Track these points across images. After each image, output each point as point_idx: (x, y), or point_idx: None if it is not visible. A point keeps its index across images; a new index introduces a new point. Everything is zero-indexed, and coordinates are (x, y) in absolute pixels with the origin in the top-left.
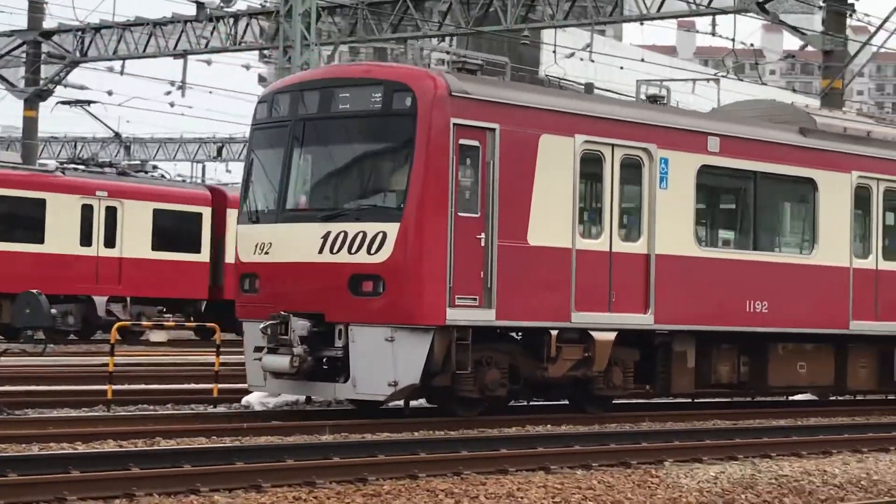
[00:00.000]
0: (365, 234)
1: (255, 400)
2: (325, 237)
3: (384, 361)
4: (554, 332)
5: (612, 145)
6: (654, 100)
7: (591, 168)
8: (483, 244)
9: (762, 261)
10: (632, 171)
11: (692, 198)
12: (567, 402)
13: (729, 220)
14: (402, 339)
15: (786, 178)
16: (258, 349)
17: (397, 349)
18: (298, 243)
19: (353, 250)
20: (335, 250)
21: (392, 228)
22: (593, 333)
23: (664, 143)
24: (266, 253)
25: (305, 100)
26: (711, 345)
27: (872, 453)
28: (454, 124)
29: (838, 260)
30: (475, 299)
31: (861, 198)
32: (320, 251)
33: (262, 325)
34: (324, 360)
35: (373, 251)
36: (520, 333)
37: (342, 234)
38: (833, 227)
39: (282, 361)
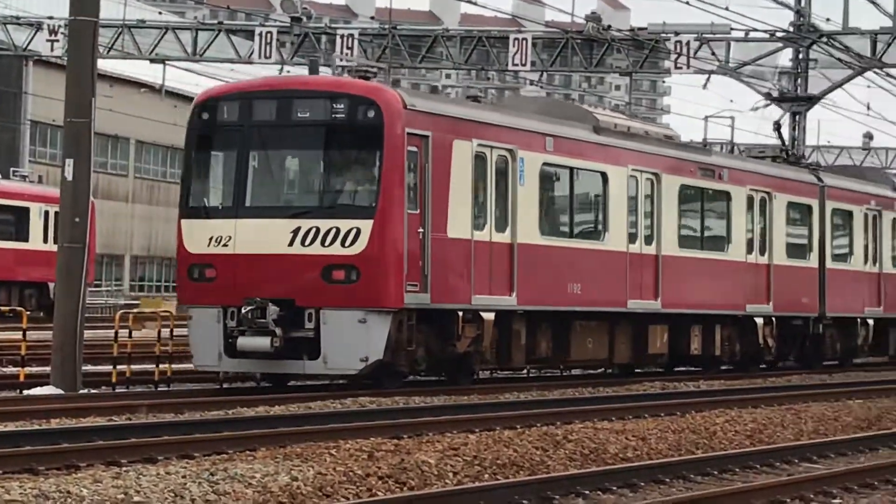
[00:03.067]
0: (339, 230)
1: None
2: (296, 231)
3: (357, 340)
4: (461, 314)
5: (491, 147)
6: (475, 99)
7: (480, 168)
8: (422, 237)
9: (577, 248)
10: (503, 169)
11: (537, 192)
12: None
13: (559, 212)
14: (373, 321)
15: (589, 171)
16: (232, 331)
17: (369, 329)
18: (265, 237)
19: (327, 243)
20: (307, 243)
21: (366, 224)
22: (482, 314)
23: (521, 144)
24: (224, 245)
25: (260, 107)
26: (541, 323)
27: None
28: (407, 133)
29: (619, 247)
30: (416, 285)
31: (639, 188)
32: (290, 244)
33: (245, 310)
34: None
35: (347, 244)
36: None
37: (314, 229)
38: (618, 216)
39: (262, 342)
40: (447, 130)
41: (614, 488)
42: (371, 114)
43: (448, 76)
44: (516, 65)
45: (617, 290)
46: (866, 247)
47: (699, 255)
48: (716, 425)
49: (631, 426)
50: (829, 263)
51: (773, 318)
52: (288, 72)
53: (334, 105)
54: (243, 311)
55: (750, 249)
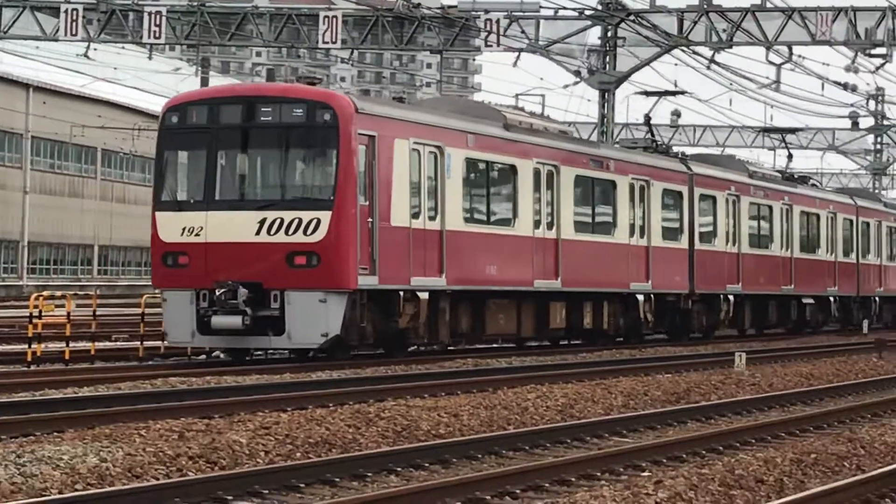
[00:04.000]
0: (301, 220)
1: None
2: (262, 222)
3: (318, 318)
4: (402, 293)
5: (424, 144)
6: (399, 100)
7: (416, 163)
8: (370, 226)
9: (493, 233)
10: (433, 164)
11: (461, 184)
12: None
13: (478, 201)
14: (332, 300)
15: (503, 164)
16: (205, 311)
17: (328, 308)
18: (234, 227)
19: (290, 232)
20: (272, 232)
21: (325, 215)
22: (419, 294)
23: (448, 142)
24: (196, 235)
25: (227, 111)
26: (461, 302)
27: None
28: (358, 133)
29: (526, 232)
30: (367, 269)
31: (542, 179)
32: (257, 233)
33: (218, 292)
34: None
35: (308, 233)
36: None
37: (278, 220)
38: (526, 205)
39: (234, 321)
40: (389, 130)
41: (426, 465)
42: (327, 117)
43: (258, 54)
44: (326, 42)
45: (525, 271)
46: (727, 229)
47: (591, 239)
48: (527, 401)
49: (444, 403)
50: (697, 245)
51: (652, 296)
52: (95, 49)
53: (294, 109)
54: (216, 293)
55: (632, 233)
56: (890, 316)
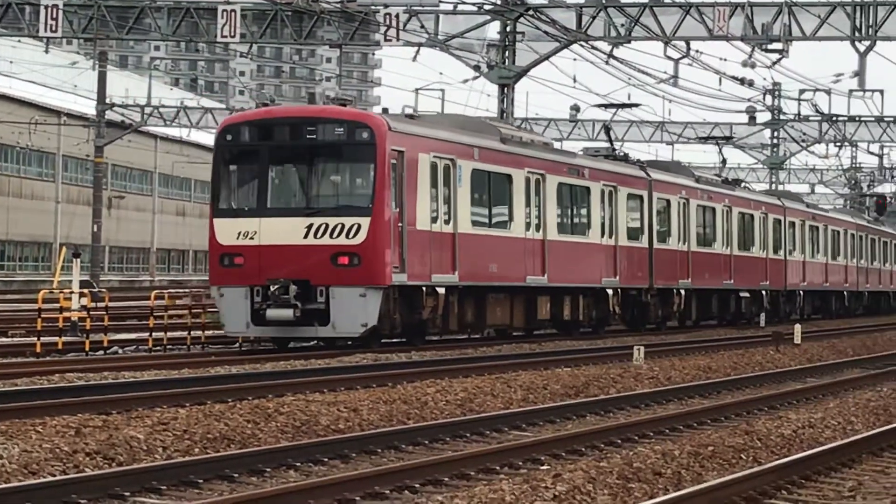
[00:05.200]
0: (343, 225)
1: None
2: (309, 227)
3: (359, 310)
4: (424, 289)
5: (441, 158)
6: (411, 116)
7: (434, 174)
8: (401, 230)
9: (494, 235)
10: (447, 175)
11: (469, 192)
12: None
13: (482, 207)
14: (370, 295)
15: (501, 174)
16: (258, 304)
17: (367, 302)
18: (284, 231)
19: (334, 236)
20: (318, 236)
21: (365, 221)
22: (437, 289)
23: (459, 155)
24: (251, 238)
25: (277, 130)
26: (467, 296)
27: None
28: (391, 149)
29: (520, 234)
30: (398, 267)
31: (532, 187)
32: (305, 237)
33: (272, 288)
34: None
35: (350, 236)
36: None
37: (324, 225)
38: (520, 209)
39: (286, 313)
40: (414, 146)
41: (325, 460)
42: (366, 135)
43: (157, 48)
44: (225, 37)
45: (518, 269)
46: (679, 229)
47: (571, 239)
48: (427, 395)
49: (343, 398)
50: (655, 244)
51: (619, 290)
52: None
53: (336, 129)
54: (271, 289)
55: (603, 233)
56: (811, 308)
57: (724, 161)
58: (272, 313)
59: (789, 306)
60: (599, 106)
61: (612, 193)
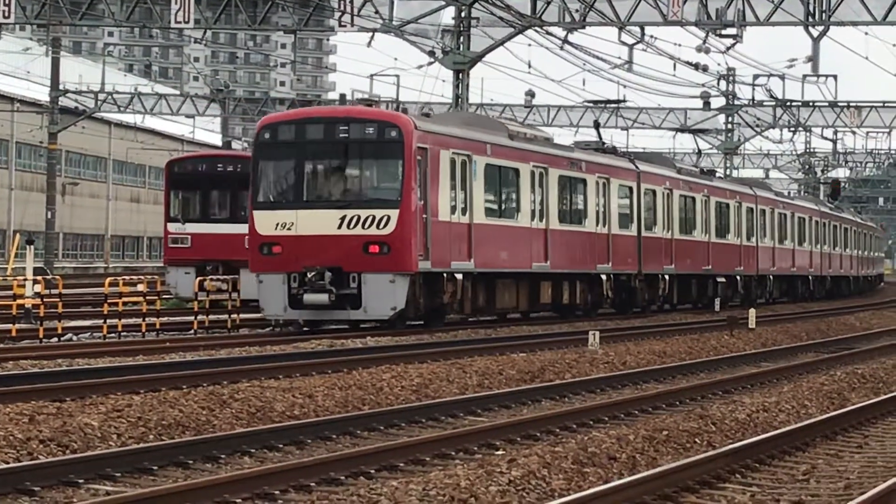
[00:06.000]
0: (374, 217)
1: None
2: (342, 218)
3: (388, 295)
4: (445, 275)
5: (458, 153)
6: (426, 115)
7: (452, 169)
8: (425, 221)
9: (503, 225)
10: (464, 169)
11: (483, 185)
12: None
13: (493, 199)
14: (399, 281)
15: (509, 168)
16: (294, 290)
17: (396, 287)
18: (319, 222)
19: (366, 226)
20: (351, 227)
21: (394, 213)
22: (456, 275)
23: (474, 150)
24: (288, 229)
25: (312, 129)
26: (479, 282)
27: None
28: (417, 146)
29: (526, 223)
30: (423, 255)
31: (536, 180)
32: (339, 227)
33: (309, 275)
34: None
35: (380, 227)
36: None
37: (356, 217)
38: (526, 201)
39: (322, 297)
40: (436, 143)
41: (281, 446)
42: (394, 133)
43: (111, 34)
44: (179, 22)
45: (525, 256)
46: (664, 218)
47: (570, 228)
48: (382, 381)
49: (298, 384)
50: (643, 232)
51: (612, 275)
52: None
53: (367, 128)
54: (308, 275)
55: (598, 222)
56: (779, 292)
57: (699, 151)
58: (309, 298)
59: (759, 290)
60: (591, 102)
61: (606, 185)
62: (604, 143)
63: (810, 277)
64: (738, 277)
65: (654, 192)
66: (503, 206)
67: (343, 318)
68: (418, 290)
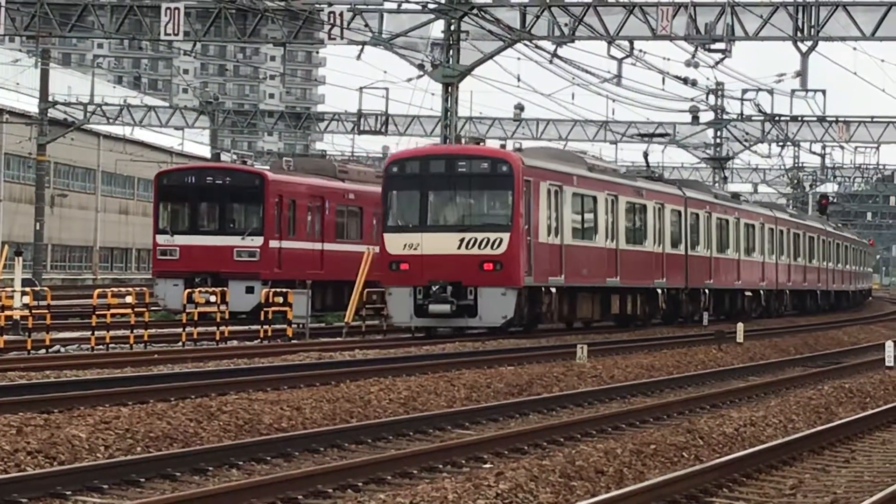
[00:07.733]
0: (488, 239)
1: None
2: (461, 240)
3: (500, 306)
4: (543, 288)
5: (552, 184)
6: (518, 150)
7: (548, 198)
8: (529, 243)
9: (585, 245)
10: (556, 198)
11: (570, 211)
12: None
13: (577, 223)
14: (509, 293)
15: (589, 196)
16: (420, 301)
17: (507, 299)
18: (441, 243)
19: (481, 247)
20: (468, 247)
21: (505, 236)
22: (551, 289)
23: (564, 181)
24: (414, 249)
25: (434, 163)
26: (564, 295)
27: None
28: (524, 179)
29: (602, 244)
30: (528, 272)
31: (609, 206)
32: (458, 248)
33: (434, 288)
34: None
35: (494, 248)
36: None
37: (473, 239)
38: (602, 224)
39: (445, 308)
40: (537, 176)
41: (268, 458)
42: (505, 168)
43: (100, 46)
44: (169, 35)
45: (601, 272)
46: (705, 239)
47: (634, 248)
48: (370, 394)
49: (286, 396)
50: (690, 251)
51: (666, 290)
52: None
53: (482, 164)
54: (432, 288)
55: (655, 242)
56: (791, 305)
57: (724, 179)
58: (434, 308)
59: (777, 303)
60: (636, 135)
61: (661, 209)
62: (653, 172)
63: (818, 292)
64: (762, 292)
65: (697, 215)
66: (584, 229)
67: (461, 324)
68: (523, 302)
